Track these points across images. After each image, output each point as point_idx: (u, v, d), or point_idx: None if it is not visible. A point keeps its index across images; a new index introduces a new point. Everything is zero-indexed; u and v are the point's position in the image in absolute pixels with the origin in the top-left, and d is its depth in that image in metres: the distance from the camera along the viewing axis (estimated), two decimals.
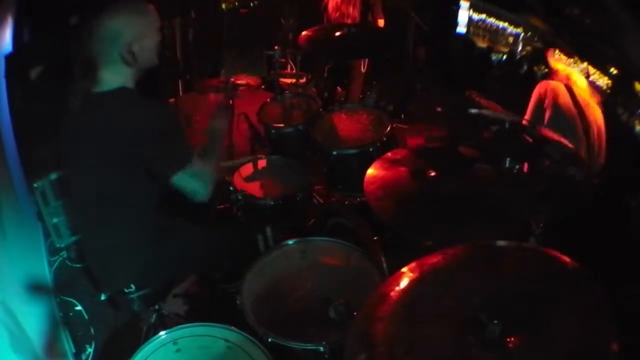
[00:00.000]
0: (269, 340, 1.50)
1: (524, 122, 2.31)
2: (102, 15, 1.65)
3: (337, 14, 4.08)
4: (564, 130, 2.43)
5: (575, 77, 2.67)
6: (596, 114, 2.60)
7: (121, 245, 1.77)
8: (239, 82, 3.15)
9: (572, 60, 2.77)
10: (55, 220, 2.44)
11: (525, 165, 1.72)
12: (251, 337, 1.49)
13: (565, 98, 2.58)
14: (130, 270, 1.81)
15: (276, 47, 3.26)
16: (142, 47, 1.68)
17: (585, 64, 2.84)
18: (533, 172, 1.67)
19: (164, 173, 1.68)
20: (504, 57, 3.96)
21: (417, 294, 1.16)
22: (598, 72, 2.77)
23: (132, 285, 1.81)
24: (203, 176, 1.71)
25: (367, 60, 4.20)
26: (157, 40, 1.75)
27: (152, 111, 1.69)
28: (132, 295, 1.82)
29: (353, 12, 4.06)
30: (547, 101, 2.62)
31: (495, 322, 1.01)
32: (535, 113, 2.67)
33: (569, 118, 2.55)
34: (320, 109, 2.72)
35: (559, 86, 2.63)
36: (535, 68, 3.57)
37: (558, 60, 2.74)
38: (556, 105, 2.58)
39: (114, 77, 1.68)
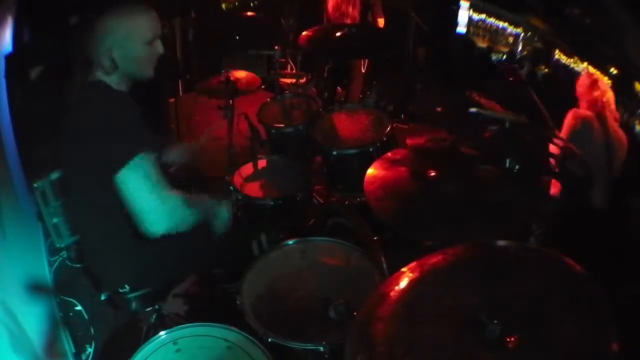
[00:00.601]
0: (269, 340, 1.50)
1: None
2: (98, 16, 1.64)
3: (337, 13, 4.08)
4: (590, 160, 2.36)
5: (611, 101, 2.61)
6: (622, 141, 2.55)
7: (119, 246, 1.77)
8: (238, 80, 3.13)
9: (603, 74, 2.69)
10: (55, 220, 2.43)
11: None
12: (251, 337, 1.49)
13: (598, 133, 2.52)
14: (129, 271, 1.81)
15: (276, 47, 3.26)
16: (125, 54, 1.65)
17: (586, 63, 2.83)
18: (534, 171, 1.67)
19: (107, 169, 1.59)
20: (504, 57, 3.96)
21: (417, 294, 1.16)
22: (598, 72, 2.76)
23: (127, 286, 1.81)
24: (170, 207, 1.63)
25: (367, 60, 4.20)
26: (149, 51, 1.69)
27: (111, 103, 1.64)
28: (130, 296, 1.82)
29: (353, 12, 4.06)
30: (581, 137, 2.54)
31: (495, 322, 1.01)
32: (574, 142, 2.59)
33: (598, 154, 2.49)
34: (320, 109, 2.72)
35: (591, 120, 2.55)
36: (536, 68, 3.57)
37: (602, 87, 2.65)
38: (590, 141, 2.51)
39: (105, 77, 1.68)
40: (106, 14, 1.64)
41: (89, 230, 1.84)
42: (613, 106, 2.60)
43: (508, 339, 1.00)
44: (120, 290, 1.81)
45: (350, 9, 4.05)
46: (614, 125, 2.56)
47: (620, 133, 2.56)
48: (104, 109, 1.63)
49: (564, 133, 2.62)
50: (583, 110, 2.62)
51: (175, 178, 2.10)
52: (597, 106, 2.59)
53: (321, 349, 1.48)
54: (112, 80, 1.69)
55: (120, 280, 1.82)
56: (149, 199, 1.61)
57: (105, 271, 1.84)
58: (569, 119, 2.63)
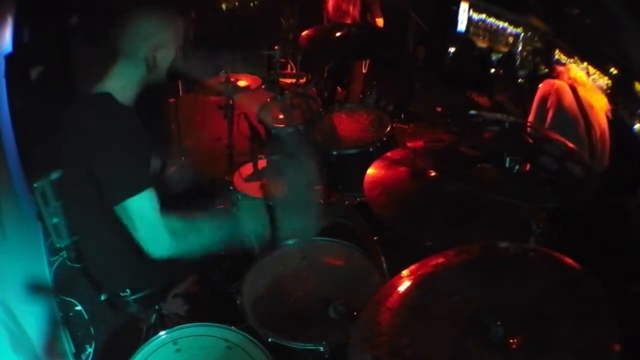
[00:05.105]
0: (269, 340, 1.50)
1: (527, 121, 2.32)
2: (144, 10, 1.63)
3: (338, 13, 4.08)
4: (565, 130, 2.44)
5: (584, 80, 2.69)
6: (600, 117, 2.60)
7: (117, 250, 1.76)
8: (239, 82, 3.14)
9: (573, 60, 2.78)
10: (55, 220, 2.43)
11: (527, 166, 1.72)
12: (251, 337, 1.49)
13: (569, 98, 2.59)
14: (128, 274, 1.80)
15: (276, 47, 3.26)
16: (164, 56, 1.66)
17: (586, 63, 2.84)
18: (534, 172, 1.67)
19: (107, 197, 1.58)
20: (504, 57, 3.96)
21: (426, 290, 1.17)
22: (598, 72, 2.77)
23: (128, 290, 1.81)
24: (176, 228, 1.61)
25: (367, 60, 4.20)
26: (174, 57, 1.70)
27: (116, 126, 1.58)
28: (128, 298, 1.82)
29: (353, 11, 4.06)
30: (550, 100, 2.63)
31: (499, 323, 1.01)
32: (539, 111, 2.68)
33: (572, 119, 2.56)
34: (320, 109, 2.72)
35: (563, 86, 2.63)
36: (536, 68, 3.57)
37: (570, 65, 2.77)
38: (559, 105, 2.59)
39: (120, 77, 1.64)
40: (153, 13, 1.64)
41: (87, 234, 1.83)
42: (589, 84, 2.69)
43: (511, 340, 1.00)
44: (122, 294, 1.81)
45: (351, 8, 4.05)
46: (588, 98, 2.63)
47: (599, 111, 2.63)
48: (113, 130, 1.57)
49: (535, 101, 2.72)
50: (554, 80, 2.73)
51: (175, 181, 2.10)
52: (569, 78, 2.71)
53: (321, 349, 1.48)
54: (127, 82, 1.65)
55: (119, 284, 1.81)
56: (148, 231, 1.59)
57: (103, 274, 1.84)
58: (540, 88, 2.74)
